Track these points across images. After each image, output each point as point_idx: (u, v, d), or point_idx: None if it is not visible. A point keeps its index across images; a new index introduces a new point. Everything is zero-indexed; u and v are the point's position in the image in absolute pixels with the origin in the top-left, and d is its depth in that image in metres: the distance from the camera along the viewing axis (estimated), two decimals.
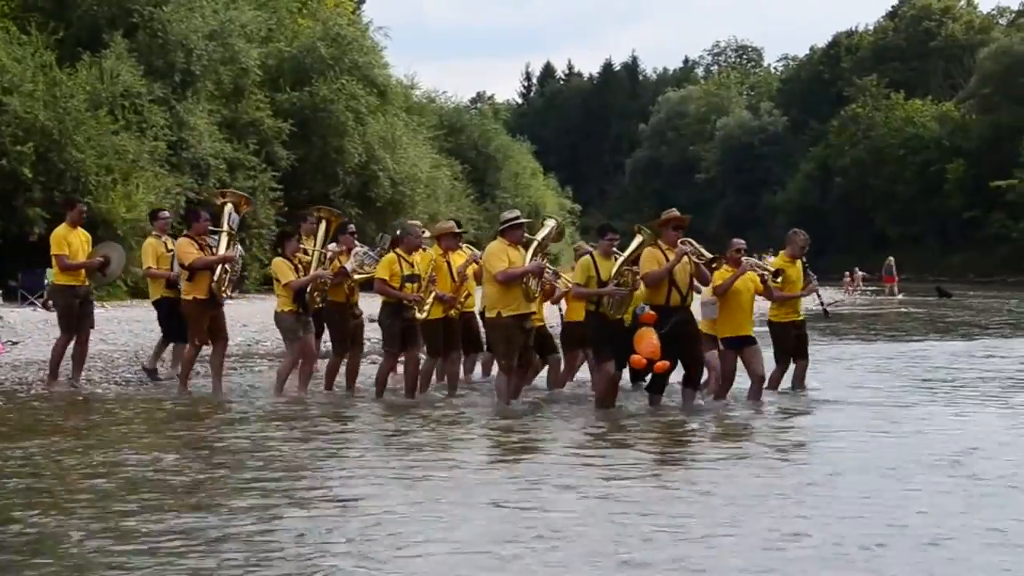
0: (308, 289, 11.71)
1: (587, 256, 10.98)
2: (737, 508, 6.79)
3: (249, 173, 32.66)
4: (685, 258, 10.70)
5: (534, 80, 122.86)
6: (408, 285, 11.36)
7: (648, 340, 10.62)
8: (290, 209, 33.74)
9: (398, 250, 11.55)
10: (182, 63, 30.72)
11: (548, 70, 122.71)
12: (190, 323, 12.13)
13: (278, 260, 11.72)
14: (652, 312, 10.73)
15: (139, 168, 27.95)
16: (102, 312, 23.46)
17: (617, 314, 10.81)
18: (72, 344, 12.56)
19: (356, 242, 12.48)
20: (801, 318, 12.41)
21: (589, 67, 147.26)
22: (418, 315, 11.46)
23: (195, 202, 27.36)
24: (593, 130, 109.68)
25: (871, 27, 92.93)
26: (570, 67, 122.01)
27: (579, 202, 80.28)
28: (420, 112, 48.85)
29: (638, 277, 10.76)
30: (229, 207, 12.30)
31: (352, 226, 12.75)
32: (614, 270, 10.74)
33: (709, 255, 10.97)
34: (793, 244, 12.35)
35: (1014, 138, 64.14)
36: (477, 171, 53.30)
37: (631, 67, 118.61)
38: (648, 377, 11.26)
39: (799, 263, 12.29)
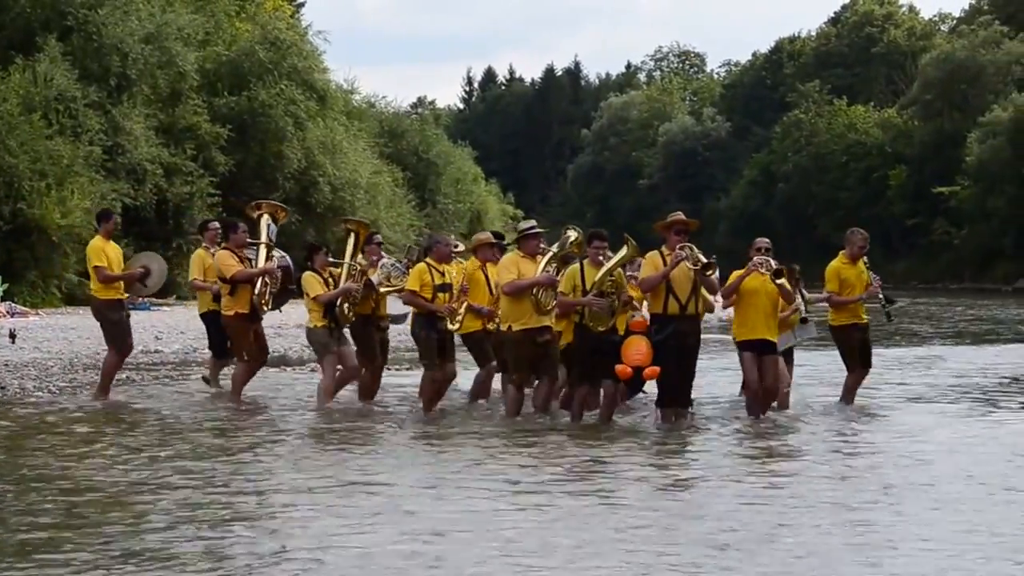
0: (339, 302, 11.42)
1: (575, 265, 10.57)
2: None
3: (186, 179, 32.29)
4: (686, 265, 10.25)
5: (475, 85, 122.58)
6: (440, 295, 11.10)
7: (636, 348, 10.23)
8: (228, 215, 33.19)
9: (429, 259, 11.29)
10: (118, 67, 30.31)
11: (489, 75, 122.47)
12: (234, 338, 11.95)
13: (307, 274, 11.51)
14: (642, 319, 10.47)
15: (74, 173, 27.66)
16: (36, 320, 23.01)
17: (599, 326, 10.32)
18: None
19: (383, 253, 12.18)
20: (864, 321, 11.82)
21: (531, 72, 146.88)
22: (451, 326, 11.21)
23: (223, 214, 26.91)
24: (535, 136, 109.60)
25: (813, 33, 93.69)
26: (512, 72, 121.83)
27: (521, 208, 79.94)
28: (360, 117, 48.53)
29: (628, 284, 10.52)
30: (266, 218, 12.07)
31: (379, 237, 12.45)
32: (595, 280, 10.32)
33: (704, 260, 10.36)
34: (851, 244, 11.83)
35: (956, 144, 64.69)
36: (418, 177, 53.01)
37: (573, 72, 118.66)
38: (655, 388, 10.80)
39: (860, 264, 11.76)
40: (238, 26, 39.77)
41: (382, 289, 11.70)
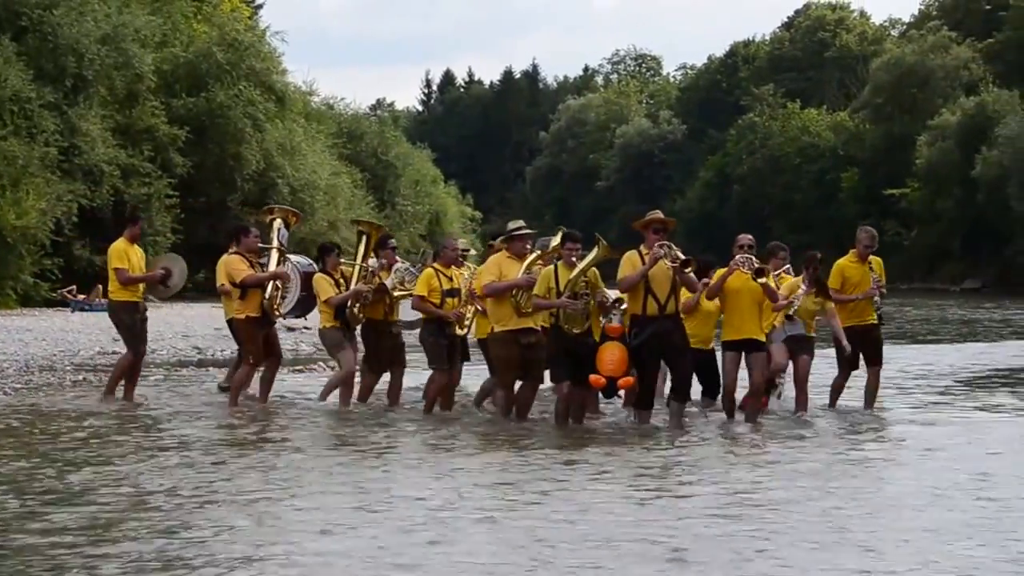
0: (349, 304, 11.42)
1: (550, 266, 10.43)
2: None
3: (144, 180, 32.17)
4: (665, 263, 10.06)
5: (434, 88, 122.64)
6: (448, 300, 11.08)
7: (610, 356, 10.04)
8: (186, 216, 33.24)
9: (436, 265, 11.30)
10: (73, 68, 30.14)
11: (448, 77, 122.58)
12: (244, 341, 11.89)
13: (319, 276, 11.53)
14: (618, 325, 10.26)
15: (29, 174, 27.45)
16: None
17: (574, 327, 10.19)
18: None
19: (397, 258, 12.06)
20: (870, 322, 11.50)
21: (489, 75, 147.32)
22: (459, 331, 11.17)
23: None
24: (494, 138, 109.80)
25: (767, 37, 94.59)
26: (470, 75, 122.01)
27: (480, 209, 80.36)
28: (319, 119, 48.51)
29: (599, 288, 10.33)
30: (278, 223, 12.09)
31: (393, 240, 12.39)
32: (568, 281, 10.19)
33: (683, 257, 10.15)
34: (858, 242, 11.54)
35: (906, 147, 65.63)
36: (377, 178, 53.09)
37: (531, 75, 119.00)
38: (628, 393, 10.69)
39: (875, 261, 11.48)
40: (195, 27, 39.69)
41: (396, 293, 11.60)
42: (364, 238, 11.82)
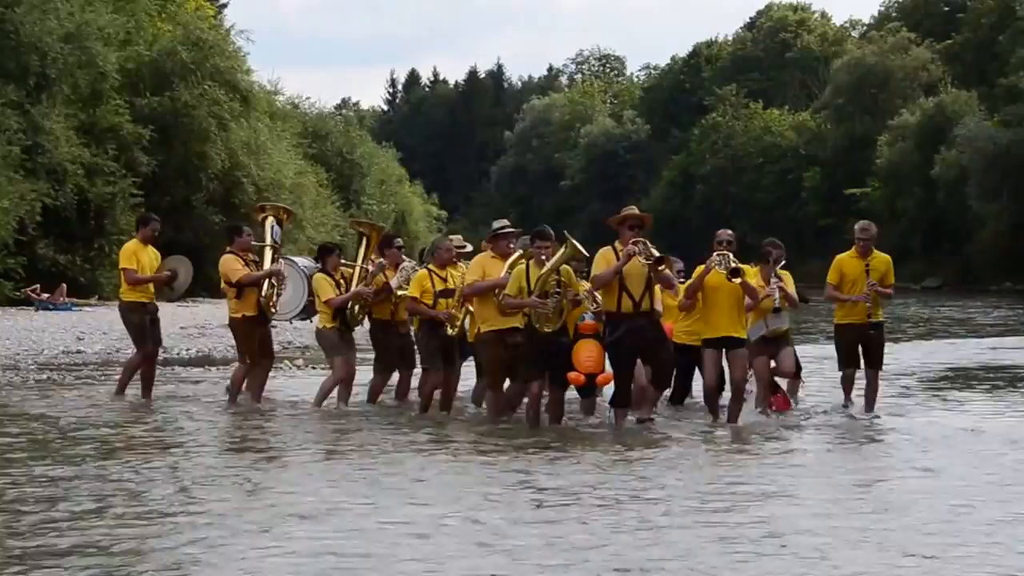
0: (349, 306, 11.40)
1: (522, 265, 10.33)
2: None
3: (108, 179, 32.00)
4: (640, 260, 9.92)
5: (399, 87, 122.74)
6: (441, 301, 11.02)
7: (586, 354, 9.94)
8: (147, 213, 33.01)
9: (430, 265, 11.27)
10: (36, 66, 29.92)
11: (413, 77, 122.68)
12: (239, 340, 11.94)
13: (319, 276, 11.49)
14: (591, 322, 10.10)
15: None
16: None
17: (545, 326, 10.06)
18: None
19: (403, 257, 11.95)
20: (873, 320, 11.09)
21: (454, 74, 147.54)
22: (450, 331, 11.09)
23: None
24: (459, 137, 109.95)
25: (730, 38, 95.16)
26: (435, 74, 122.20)
27: (445, 209, 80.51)
28: (284, 118, 48.35)
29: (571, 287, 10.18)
30: (271, 221, 12.08)
31: (399, 240, 12.28)
32: (537, 280, 10.07)
33: (657, 254, 9.98)
34: (856, 239, 11.22)
35: (867, 147, 66.33)
36: (342, 178, 52.98)
37: (496, 75, 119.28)
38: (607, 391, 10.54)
39: (879, 259, 11.12)
40: (159, 26, 39.52)
41: (400, 292, 11.47)
42: (364, 239, 11.82)
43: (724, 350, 10.42)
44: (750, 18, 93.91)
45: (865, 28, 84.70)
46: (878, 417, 11.11)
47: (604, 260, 10.06)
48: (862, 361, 11.30)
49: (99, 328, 22.05)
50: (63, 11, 31.12)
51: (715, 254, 10.30)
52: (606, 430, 10.36)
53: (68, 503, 7.16)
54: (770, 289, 10.83)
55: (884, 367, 11.73)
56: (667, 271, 10.15)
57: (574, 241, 10.20)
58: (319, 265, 11.78)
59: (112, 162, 32.37)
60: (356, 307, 11.48)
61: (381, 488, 7.81)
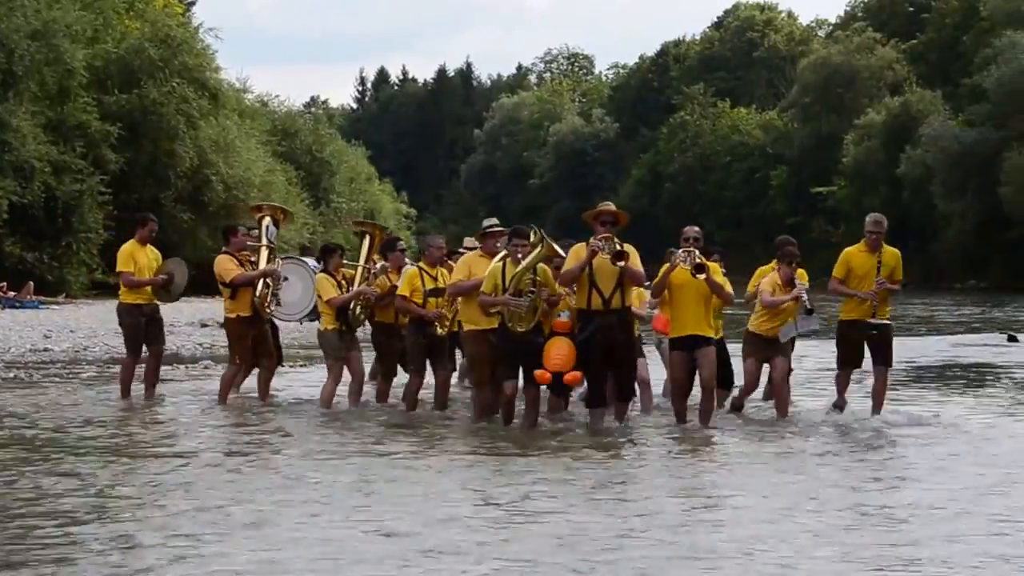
0: (351, 306, 11.36)
1: (498, 263, 10.18)
2: None
3: (76, 177, 31.88)
4: (602, 255, 9.72)
5: (368, 85, 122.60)
6: (431, 300, 10.95)
7: (556, 351, 9.80)
8: (119, 213, 33.02)
9: (421, 264, 11.23)
10: (3, 63, 29.81)
11: (382, 75, 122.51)
12: (231, 341, 11.91)
13: (321, 276, 11.44)
14: (564, 320, 9.93)
15: None
16: None
17: (518, 326, 9.91)
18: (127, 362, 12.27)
19: (407, 260, 11.86)
20: (878, 320, 10.56)
21: (423, 73, 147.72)
22: (439, 331, 11.00)
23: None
24: (428, 135, 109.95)
25: (697, 37, 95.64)
26: (404, 73, 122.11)
27: (415, 207, 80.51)
28: (253, 116, 48.22)
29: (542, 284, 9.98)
30: (267, 220, 12.05)
31: (402, 243, 12.13)
32: (511, 278, 9.95)
33: (619, 248, 9.74)
34: (865, 230, 10.67)
35: (833, 146, 66.89)
36: (312, 176, 52.91)
37: (465, 73, 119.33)
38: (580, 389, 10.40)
39: (889, 254, 10.60)
40: (128, 23, 39.36)
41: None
42: (367, 239, 11.79)
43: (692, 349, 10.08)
44: (717, 17, 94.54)
45: (831, 28, 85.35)
46: (877, 418, 10.64)
47: (575, 256, 9.91)
48: (871, 359, 10.76)
49: (66, 326, 21.96)
50: (30, 8, 31.01)
51: (680, 250, 10.07)
52: (580, 430, 10.14)
53: None
54: (798, 291, 10.54)
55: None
56: (631, 266, 9.81)
57: (550, 241, 10.10)
58: (321, 265, 11.78)
59: (80, 160, 32.25)
60: (358, 308, 11.47)
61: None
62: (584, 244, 9.92)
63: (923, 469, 8.66)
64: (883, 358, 10.63)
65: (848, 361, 10.79)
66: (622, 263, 9.75)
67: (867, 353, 10.77)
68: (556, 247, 10.21)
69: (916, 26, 72.16)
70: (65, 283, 31.31)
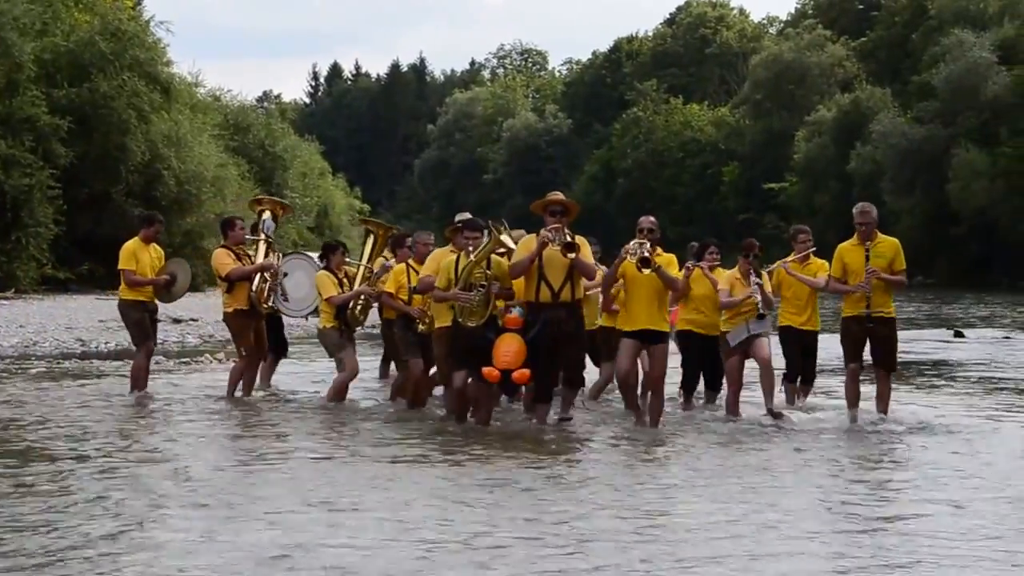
0: (351, 305, 11.33)
1: (451, 257, 10.15)
2: None
3: (25, 171, 31.50)
4: (552, 246, 9.59)
5: (321, 80, 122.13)
6: (416, 297, 10.89)
7: (506, 348, 9.60)
8: (70, 207, 32.73)
9: (409, 260, 11.18)
10: None
11: (335, 70, 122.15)
12: (234, 334, 11.93)
13: (321, 273, 11.41)
14: (515, 315, 9.75)
15: None
16: None
17: (468, 320, 9.78)
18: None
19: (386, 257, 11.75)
20: (880, 314, 10.22)
21: (376, 68, 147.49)
22: (421, 327, 10.89)
23: None
24: (381, 130, 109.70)
25: (650, 33, 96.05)
26: (357, 67, 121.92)
27: (368, 202, 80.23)
28: (205, 110, 47.83)
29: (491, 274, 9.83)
30: (266, 215, 12.03)
31: (410, 240, 11.85)
32: (461, 272, 9.84)
33: (569, 239, 9.57)
34: (855, 223, 10.33)
35: (785, 142, 67.44)
36: (264, 170, 52.64)
37: (419, 68, 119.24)
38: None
39: (886, 244, 10.34)
40: (77, 16, 38.92)
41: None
42: (371, 238, 11.75)
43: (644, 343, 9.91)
44: (670, 14, 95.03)
45: (782, 25, 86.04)
46: (882, 420, 10.35)
47: (525, 248, 9.76)
48: (871, 359, 10.41)
49: (15, 321, 21.73)
50: None
51: (633, 241, 9.82)
52: (527, 428, 10.02)
53: None
54: (751, 290, 10.40)
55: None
56: (582, 258, 9.66)
57: (496, 232, 9.90)
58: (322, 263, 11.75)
59: (29, 154, 31.88)
60: (357, 307, 11.45)
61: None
62: (534, 235, 9.77)
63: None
64: (883, 361, 10.29)
65: (853, 357, 10.35)
66: (573, 255, 9.57)
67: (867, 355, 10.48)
68: (504, 239, 10.03)
69: (866, 23, 72.95)
70: (14, 278, 30.97)
